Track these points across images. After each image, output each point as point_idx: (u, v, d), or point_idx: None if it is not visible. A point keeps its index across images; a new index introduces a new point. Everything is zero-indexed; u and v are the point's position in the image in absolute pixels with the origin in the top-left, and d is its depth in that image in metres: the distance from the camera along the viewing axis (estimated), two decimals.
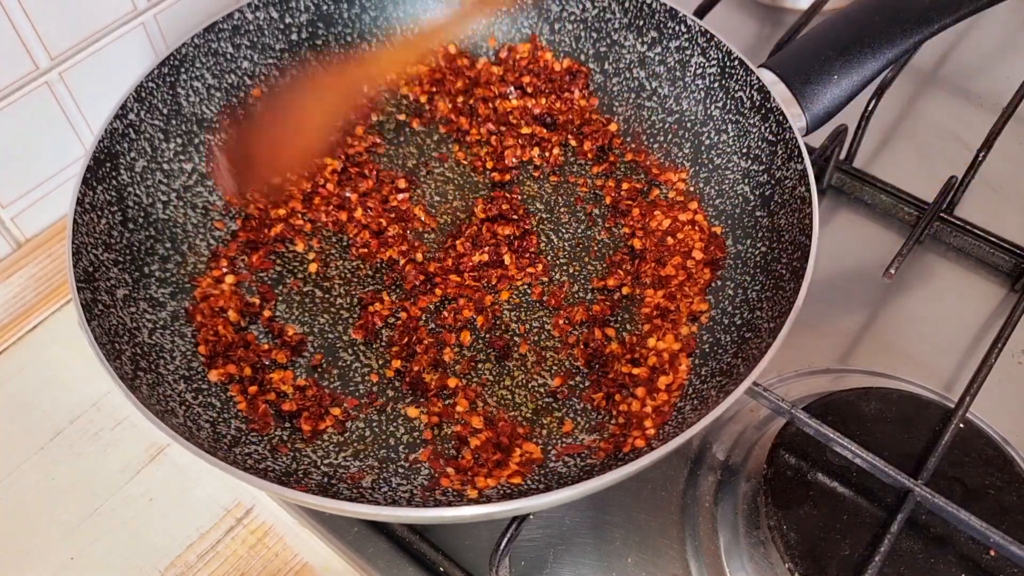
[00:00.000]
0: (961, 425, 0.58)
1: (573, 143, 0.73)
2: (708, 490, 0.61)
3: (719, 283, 0.63)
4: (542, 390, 0.60)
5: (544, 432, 0.58)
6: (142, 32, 0.70)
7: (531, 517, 0.54)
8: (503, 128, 0.72)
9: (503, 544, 0.52)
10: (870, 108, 0.75)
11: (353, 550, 0.58)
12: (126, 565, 0.59)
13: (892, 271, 0.64)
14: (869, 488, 0.56)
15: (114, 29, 0.68)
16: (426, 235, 0.68)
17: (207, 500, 0.62)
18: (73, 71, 0.67)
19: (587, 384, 0.60)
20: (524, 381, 0.61)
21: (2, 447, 0.63)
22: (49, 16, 0.63)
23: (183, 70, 0.66)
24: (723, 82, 0.66)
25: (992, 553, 0.53)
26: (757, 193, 0.63)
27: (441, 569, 0.57)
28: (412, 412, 0.59)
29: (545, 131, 0.73)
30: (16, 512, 0.61)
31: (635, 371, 0.59)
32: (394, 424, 0.58)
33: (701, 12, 0.80)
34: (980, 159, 0.72)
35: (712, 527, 0.59)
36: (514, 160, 0.71)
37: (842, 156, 0.78)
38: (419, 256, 0.66)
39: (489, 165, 0.71)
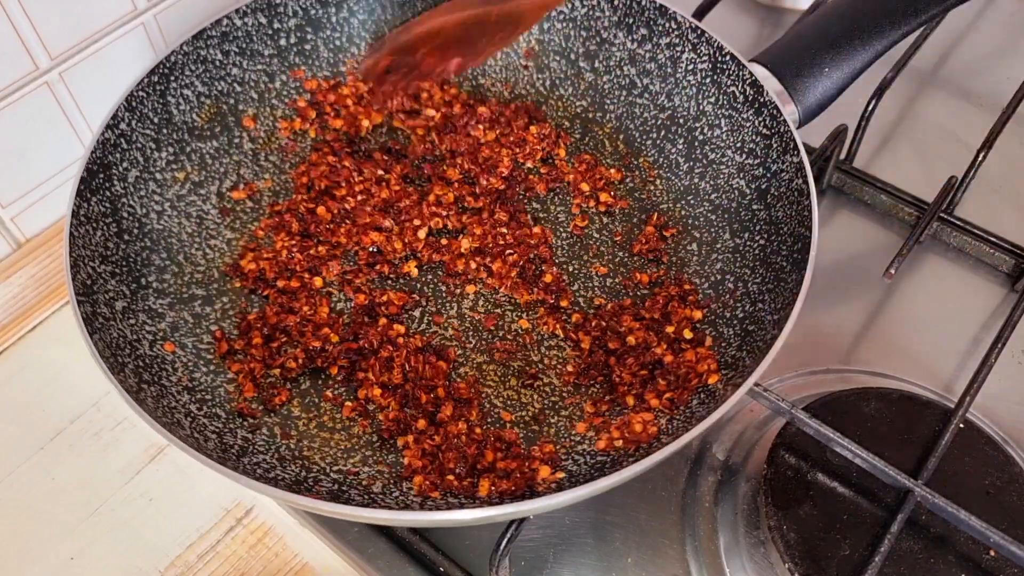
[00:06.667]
0: (961, 425, 0.58)
1: None
2: (708, 490, 0.61)
3: (719, 276, 0.63)
4: (547, 389, 0.60)
5: (552, 432, 0.58)
6: (142, 32, 0.70)
7: (531, 517, 0.54)
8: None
9: (503, 544, 0.52)
10: (870, 108, 0.75)
11: (353, 550, 0.58)
12: (126, 565, 0.59)
13: (892, 271, 0.64)
14: (869, 488, 0.56)
15: (114, 29, 0.68)
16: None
17: (207, 500, 0.62)
18: (73, 71, 0.67)
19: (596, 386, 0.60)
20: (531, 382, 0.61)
21: (2, 447, 0.63)
22: (49, 16, 0.63)
23: (173, 78, 0.65)
24: (715, 77, 0.66)
25: (992, 553, 0.53)
26: (753, 187, 0.63)
27: (441, 569, 0.57)
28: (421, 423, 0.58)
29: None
30: (16, 512, 0.61)
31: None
32: None
33: (701, 12, 0.80)
34: (980, 159, 0.72)
35: (712, 527, 0.59)
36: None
37: (842, 156, 0.78)
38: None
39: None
